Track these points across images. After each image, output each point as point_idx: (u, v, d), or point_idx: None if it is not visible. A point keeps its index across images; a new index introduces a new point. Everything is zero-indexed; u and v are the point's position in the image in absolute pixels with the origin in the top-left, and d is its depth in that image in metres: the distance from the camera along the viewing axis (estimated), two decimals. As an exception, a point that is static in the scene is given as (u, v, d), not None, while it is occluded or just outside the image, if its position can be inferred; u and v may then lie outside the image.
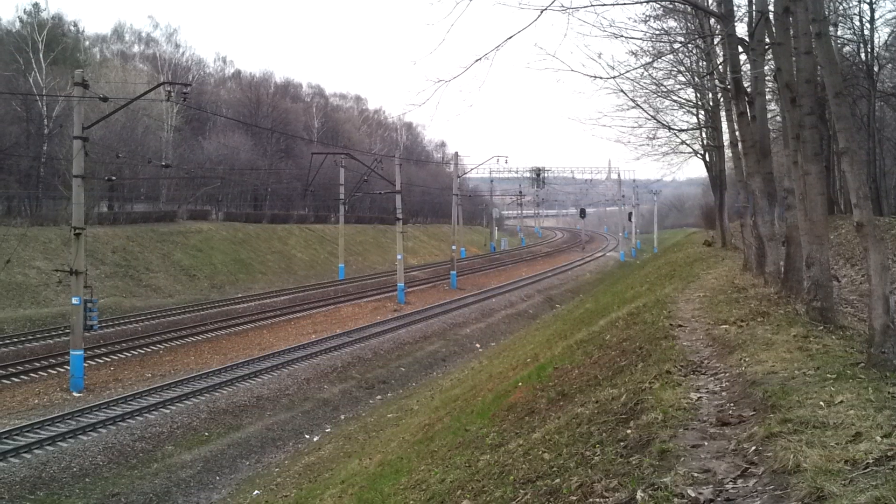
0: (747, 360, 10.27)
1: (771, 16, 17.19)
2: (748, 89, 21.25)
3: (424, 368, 36.53)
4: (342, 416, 28.85)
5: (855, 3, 41.38)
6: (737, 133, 24.96)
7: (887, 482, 5.09)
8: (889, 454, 5.66)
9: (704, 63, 32.09)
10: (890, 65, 44.10)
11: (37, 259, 46.57)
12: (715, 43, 25.48)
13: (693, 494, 5.76)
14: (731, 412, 8.07)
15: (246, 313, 45.71)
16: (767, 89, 24.90)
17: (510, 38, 13.06)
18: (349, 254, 74.32)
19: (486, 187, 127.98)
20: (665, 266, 42.69)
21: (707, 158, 43.85)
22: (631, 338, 15.27)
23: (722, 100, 30.63)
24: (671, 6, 26.02)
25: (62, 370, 30.05)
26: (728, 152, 35.36)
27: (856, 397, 7.52)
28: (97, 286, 40.66)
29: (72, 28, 79.53)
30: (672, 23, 30.44)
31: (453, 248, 67.55)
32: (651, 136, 41.27)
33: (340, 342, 37.77)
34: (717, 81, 28.30)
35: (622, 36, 21.28)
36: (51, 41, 66.25)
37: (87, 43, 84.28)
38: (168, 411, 25.80)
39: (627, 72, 29.00)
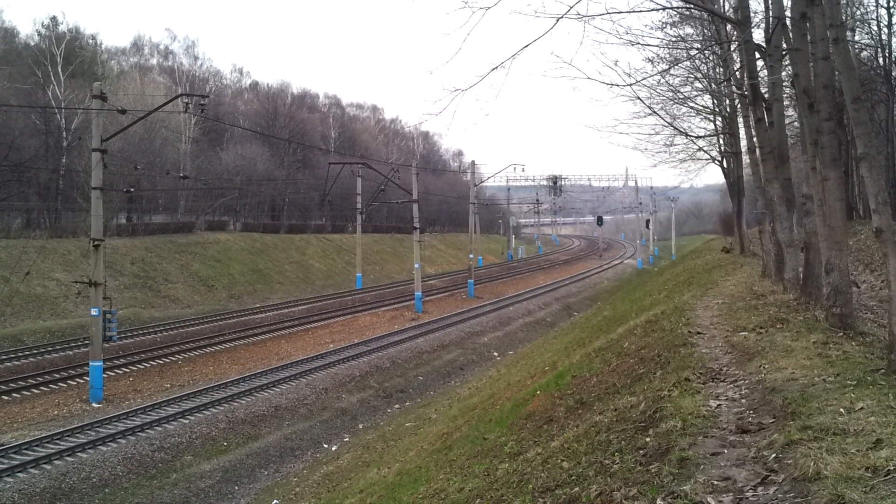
0: (767, 367, 10.22)
1: (788, 21, 17.13)
2: (765, 95, 21.16)
3: (442, 377, 36.49)
4: (360, 426, 28.85)
5: (872, 9, 41.21)
6: (754, 139, 24.84)
7: (909, 489, 5.05)
8: (911, 461, 5.61)
9: (721, 69, 31.95)
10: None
11: (56, 271, 46.86)
12: (732, 49, 25.38)
13: (713, 502, 5.74)
14: (750, 419, 8.02)
15: (264, 323, 45.84)
16: (785, 95, 24.84)
17: (526, 46, 13.08)
18: (366, 263, 74.46)
19: (503, 196, 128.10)
20: (683, 273, 42.56)
21: (725, 165, 43.71)
22: (649, 345, 15.22)
23: (739, 106, 30.49)
24: (688, 13, 25.96)
25: (82, 381, 30.23)
26: (746, 158, 35.10)
27: (876, 404, 7.48)
28: (116, 297, 40.93)
29: (90, 41, 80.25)
30: (689, 29, 30.35)
31: (470, 256, 67.57)
32: (668, 142, 41.16)
33: (358, 351, 37.80)
34: (734, 88, 28.18)
35: (638, 43, 21.31)
36: (69, 54, 66.89)
37: (105, 56, 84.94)
38: (187, 421, 25.89)
39: (644, 79, 29.09)
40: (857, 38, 39.66)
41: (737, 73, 25.23)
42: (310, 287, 66.94)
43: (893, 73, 39.37)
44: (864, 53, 41.87)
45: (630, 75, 34.12)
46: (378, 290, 65.87)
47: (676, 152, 43.46)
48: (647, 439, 8.08)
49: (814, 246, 16.14)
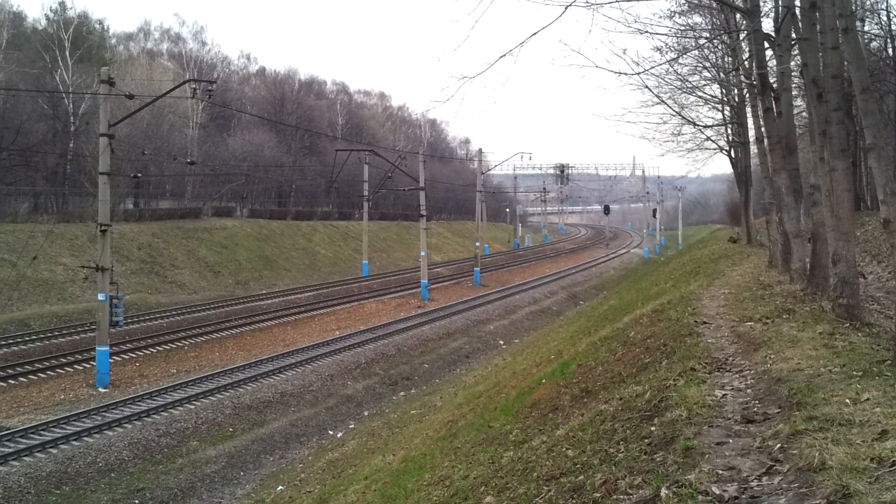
0: (773, 357, 10.20)
1: (797, 11, 17.07)
2: (774, 85, 21.08)
3: (448, 365, 36.55)
4: (366, 413, 28.92)
5: (882, -2, 40.96)
6: (763, 129, 24.75)
7: (914, 480, 5.04)
8: (916, 452, 5.60)
9: (730, 59, 31.84)
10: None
11: (63, 256, 46.96)
12: (741, 38, 25.30)
13: (717, 492, 5.73)
14: (756, 409, 8.01)
15: (270, 309, 45.92)
16: (794, 85, 24.75)
17: (535, 34, 13.04)
18: (373, 250, 74.52)
19: (509, 184, 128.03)
20: (690, 263, 42.49)
21: (732, 155, 43.56)
22: (655, 335, 15.20)
23: (748, 96, 30.37)
24: (696, 2, 25.86)
25: (88, 366, 30.32)
26: (754, 148, 35.04)
27: (882, 395, 7.46)
28: (123, 282, 41.02)
29: (97, 26, 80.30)
30: (698, 18, 30.20)
31: (477, 244, 67.52)
32: (676, 132, 40.99)
33: (364, 339, 37.86)
34: (742, 77, 28.06)
35: (647, 32, 21.20)
36: (77, 39, 66.88)
37: (113, 41, 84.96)
38: (193, 407, 25.98)
39: (652, 68, 28.96)
40: (866, 28, 39.50)
41: (745, 62, 25.13)
42: (316, 274, 67.02)
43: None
44: (874, 44, 41.67)
45: (638, 64, 33.89)
46: (384, 277, 65.93)
47: (684, 142, 43.31)
48: (653, 428, 8.08)
49: (821, 236, 16.11)
